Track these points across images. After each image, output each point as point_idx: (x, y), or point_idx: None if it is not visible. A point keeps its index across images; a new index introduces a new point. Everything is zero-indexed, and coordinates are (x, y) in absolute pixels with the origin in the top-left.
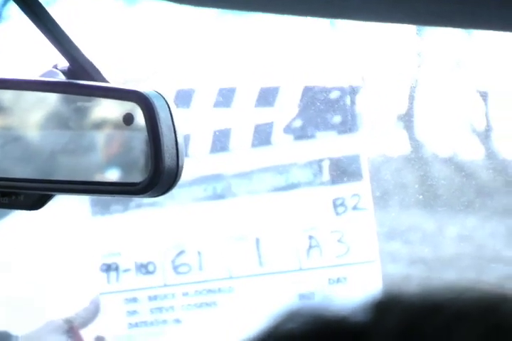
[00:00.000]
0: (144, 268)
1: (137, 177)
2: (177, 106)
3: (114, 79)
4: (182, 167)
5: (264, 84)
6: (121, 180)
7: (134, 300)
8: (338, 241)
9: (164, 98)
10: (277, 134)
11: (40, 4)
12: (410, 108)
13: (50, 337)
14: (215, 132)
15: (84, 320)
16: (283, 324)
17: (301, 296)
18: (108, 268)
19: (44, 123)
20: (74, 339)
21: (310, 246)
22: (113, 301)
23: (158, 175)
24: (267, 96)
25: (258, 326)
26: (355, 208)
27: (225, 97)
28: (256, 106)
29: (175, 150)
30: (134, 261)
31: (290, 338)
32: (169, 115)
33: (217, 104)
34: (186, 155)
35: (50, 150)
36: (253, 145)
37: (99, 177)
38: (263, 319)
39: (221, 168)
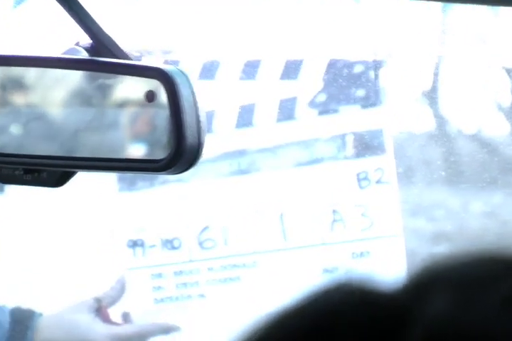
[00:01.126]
0: (169, 244)
1: (159, 154)
2: (202, 78)
3: (136, 56)
4: (204, 144)
5: (289, 57)
6: (144, 157)
7: (160, 275)
8: (362, 215)
9: (186, 75)
10: (301, 108)
11: None
12: (435, 84)
13: (77, 316)
14: (239, 107)
15: (112, 298)
16: (329, 295)
17: (325, 270)
18: (134, 244)
19: (67, 100)
20: (101, 318)
21: (334, 220)
22: (139, 277)
23: (180, 152)
24: (291, 69)
25: (299, 295)
26: (378, 182)
27: (250, 70)
28: (280, 78)
29: (197, 128)
30: (159, 237)
31: (336, 310)
32: (191, 92)
33: (242, 77)
34: (210, 130)
35: (72, 128)
36: (278, 120)
37: (121, 154)
38: (304, 289)
39: (245, 142)
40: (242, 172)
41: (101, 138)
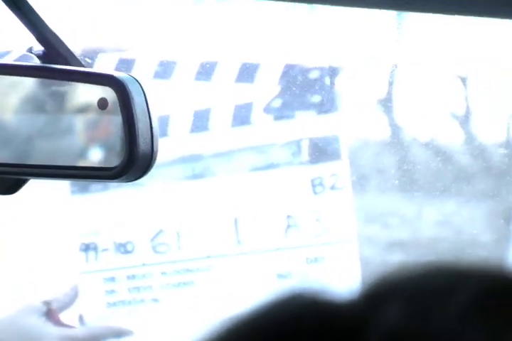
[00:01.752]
0: (122, 248)
1: (112, 161)
2: (157, 77)
3: (87, 63)
4: (157, 152)
5: (245, 60)
6: (96, 165)
7: (113, 279)
8: (316, 220)
9: (139, 83)
10: (257, 113)
11: None
12: (390, 92)
13: (28, 320)
14: (195, 111)
15: (64, 302)
16: (282, 306)
17: (279, 276)
18: (87, 247)
19: (19, 107)
20: (52, 321)
21: (288, 226)
22: (92, 280)
23: (132, 160)
24: (247, 73)
25: (252, 305)
26: (333, 188)
27: (206, 71)
28: (236, 81)
29: (150, 135)
30: (112, 240)
31: (289, 322)
32: (144, 100)
33: (197, 78)
34: (165, 134)
35: (24, 135)
36: (233, 124)
37: (74, 162)
38: (258, 299)
39: (200, 147)
40: (197, 176)
41: (53, 146)
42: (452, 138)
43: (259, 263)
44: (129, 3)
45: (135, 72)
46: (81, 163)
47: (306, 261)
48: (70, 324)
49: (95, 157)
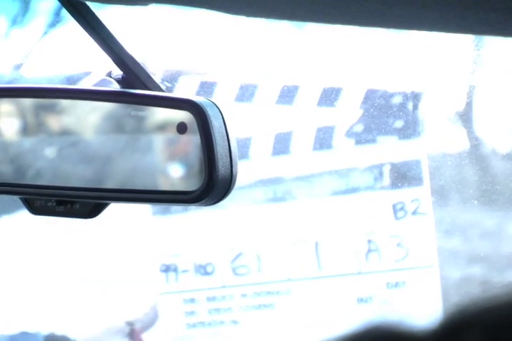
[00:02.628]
0: (202, 269)
1: (192, 185)
2: (239, 100)
3: (167, 87)
4: (236, 175)
5: (328, 85)
6: (176, 189)
7: (192, 300)
8: (398, 245)
9: (217, 106)
10: (339, 137)
11: (92, 12)
12: (469, 112)
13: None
14: (277, 134)
15: (145, 323)
16: (362, 338)
17: (360, 300)
18: (167, 268)
19: (99, 132)
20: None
21: (369, 250)
22: (172, 302)
23: (212, 184)
24: (329, 97)
25: (333, 336)
26: (415, 213)
27: (288, 95)
28: (318, 105)
29: (229, 159)
30: (193, 262)
31: None
32: (223, 123)
33: (279, 102)
34: (247, 157)
35: (104, 159)
36: (315, 148)
37: (153, 186)
38: (332, 325)
39: (282, 170)
40: (278, 199)
41: (133, 170)
42: None
43: (339, 288)
44: (212, 26)
45: (216, 95)
46: (161, 187)
47: (386, 286)
48: None
49: (176, 181)
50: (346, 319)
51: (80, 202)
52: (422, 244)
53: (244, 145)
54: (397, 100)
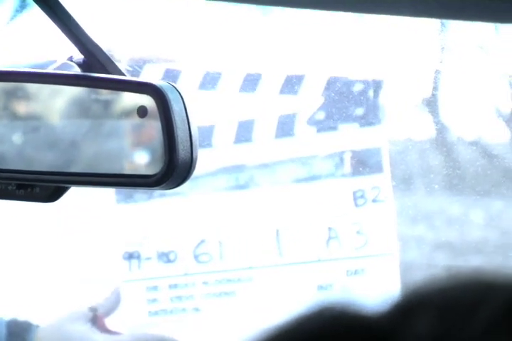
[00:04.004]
0: (165, 257)
1: (152, 169)
2: (202, 88)
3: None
4: (196, 159)
5: (289, 72)
6: (136, 173)
7: (155, 288)
8: (357, 232)
9: (178, 90)
10: (300, 125)
11: None
12: (434, 97)
13: (74, 326)
14: (239, 122)
15: (106, 309)
16: (311, 320)
17: (320, 287)
18: (130, 256)
19: (60, 116)
20: (98, 327)
21: (329, 238)
22: (134, 289)
23: (172, 168)
24: (291, 85)
25: (284, 318)
26: (375, 200)
27: (250, 83)
28: (280, 93)
29: (189, 143)
30: (155, 249)
31: (318, 335)
32: (183, 107)
33: (242, 90)
34: (209, 145)
35: (64, 143)
36: (276, 136)
37: (113, 170)
38: (289, 311)
39: (244, 158)
40: (240, 187)
41: (93, 154)
42: (498, 138)
43: (300, 275)
44: (175, 12)
45: (180, 83)
46: (121, 171)
47: (346, 273)
48: (116, 330)
49: (135, 165)
50: (300, 307)
51: (40, 185)
52: (382, 232)
53: (207, 132)
54: (358, 87)
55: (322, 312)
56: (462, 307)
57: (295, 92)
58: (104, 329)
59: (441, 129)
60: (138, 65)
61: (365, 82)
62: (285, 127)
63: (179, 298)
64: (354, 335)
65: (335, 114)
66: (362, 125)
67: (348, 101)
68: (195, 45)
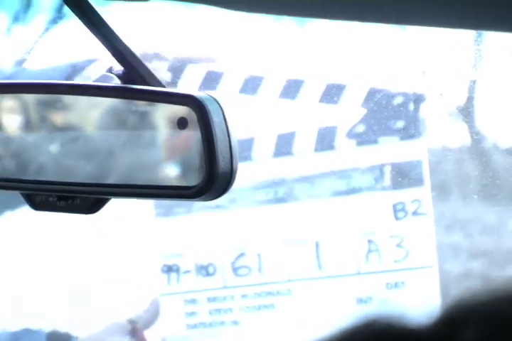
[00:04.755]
0: (204, 270)
1: (192, 181)
2: (243, 92)
3: (168, 83)
4: (236, 171)
5: (331, 81)
6: (176, 184)
7: (193, 301)
8: (397, 245)
9: (218, 102)
10: (341, 138)
11: (93, 8)
12: (470, 108)
13: (113, 338)
14: (279, 135)
15: (146, 321)
16: (358, 333)
17: (359, 300)
18: (169, 269)
19: (99, 127)
20: (137, 339)
21: (369, 250)
22: (173, 302)
23: (212, 179)
24: (332, 94)
25: (331, 330)
26: (415, 213)
27: (291, 89)
28: (320, 101)
29: (229, 154)
30: (194, 262)
31: None
32: (223, 119)
33: (282, 95)
34: (249, 158)
35: (105, 154)
36: (316, 149)
37: (154, 181)
38: (328, 324)
39: (284, 171)
40: (280, 200)
41: (133, 165)
42: None
43: (339, 288)
44: (223, 18)
45: (222, 85)
46: (161, 182)
47: (386, 286)
48: None
49: (176, 176)
50: (345, 319)
51: (81, 197)
52: (422, 245)
53: (247, 145)
54: (399, 100)
55: (369, 325)
56: (505, 318)
57: (335, 102)
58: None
59: (479, 139)
60: (181, 66)
61: (405, 94)
62: (325, 140)
63: (218, 310)
64: None
65: (375, 127)
66: (402, 138)
67: (389, 114)
68: (235, 51)
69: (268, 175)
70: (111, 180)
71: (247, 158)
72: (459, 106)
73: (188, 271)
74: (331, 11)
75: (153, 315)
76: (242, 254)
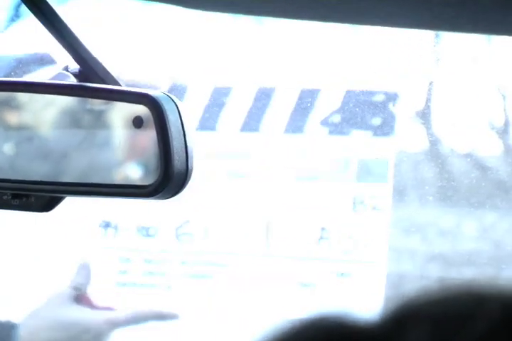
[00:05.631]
0: (145, 231)
1: (147, 179)
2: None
3: (124, 82)
4: (191, 170)
5: (305, 87)
6: (131, 183)
7: (128, 260)
8: (349, 237)
9: (174, 101)
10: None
11: (49, 6)
12: (428, 110)
13: (64, 308)
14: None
15: (80, 285)
16: (307, 329)
17: (302, 284)
18: (107, 225)
19: (54, 125)
20: (86, 305)
21: (321, 237)
22: (107, 257)
23: (167, 178)
24: (306, 99)
25: (278, 327)
26: (373, 208)
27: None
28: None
29: (184, 154)
30: (136, 223)
31: None
32: (179, 118)
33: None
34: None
35: (60, 153)
36: (286, 130)
37: (108, 180)
38: (283, 320)
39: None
40: (239, 175)
41: (89, 164)
42: (491, 151)
43: (283, 269)
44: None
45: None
46: (116, 181)
47: (331, 275)
48: (107, 306)
49: (130, 175)
50: (285, 300)
51: (36, 195)
52: (374, 239)
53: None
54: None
55: (318, 322)
56: (456, 318)
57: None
58: (94, 307)
59: (435, 141)
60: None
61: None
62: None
63: (151, 273)
64: None
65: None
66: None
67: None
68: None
69: (234, 148)
70: (66, 179)
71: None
72: (415, 107)
73: (127, 229)
74: (321, 13)
75: (86, 277)
76: (187, 221)
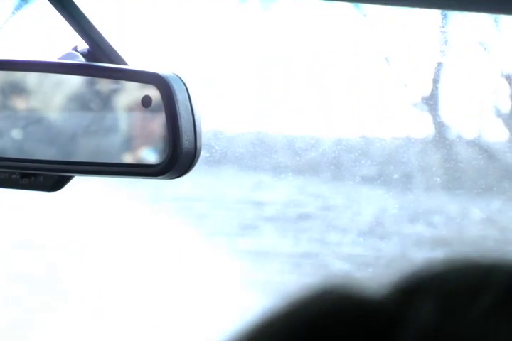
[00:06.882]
0: None
1: (155, 159)
2: None
3: (133, 62)
4: (200, 149)
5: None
6: (140, 162)
7: None
8: None
9: (183, 81)
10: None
11: None
12: (434, 91)
13: None
14: None
15: None
16: (314, 302)
17: None
18: None
19: (64, 105)
20: None
21: None
22: None
23: (176, 157)
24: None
25: (285, 300)
26: None
27: None
28: None
29: (193, 133)
30: None
31: (323, 316)
32: (187, 98)
33: None
34: None
35: (69, 132)
36: None
37: (117, 159)
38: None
39: None
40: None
41: (98, 143)
42: (497, 136)
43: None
44: None
45: None
46: (125, 160)
47: None
48: None
49: (139, 154)
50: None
51: (44, 174)
52: None
53: None
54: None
55: (325, 295)
56: (463, 289)
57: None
58: None
59: (441, 127)
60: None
61: None
62: None
63: None
64: (359, 317)
65: None
66: None
67: None
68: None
69: None
70: (75, 158)
71: None
72: (419, 92)
73: None
74: None
75: None
76: None
